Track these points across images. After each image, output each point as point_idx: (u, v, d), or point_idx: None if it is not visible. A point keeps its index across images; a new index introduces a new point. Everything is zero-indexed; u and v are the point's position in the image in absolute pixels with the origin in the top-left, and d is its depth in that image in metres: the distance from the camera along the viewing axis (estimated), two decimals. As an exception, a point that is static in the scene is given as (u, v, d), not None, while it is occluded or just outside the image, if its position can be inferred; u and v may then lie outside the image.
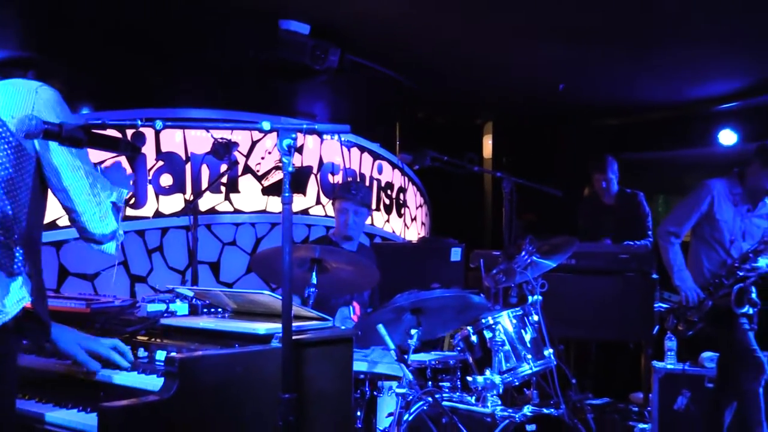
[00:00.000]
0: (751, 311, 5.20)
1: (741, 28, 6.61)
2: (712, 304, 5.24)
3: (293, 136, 2.47)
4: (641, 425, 6.25)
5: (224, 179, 6.34)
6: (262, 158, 6.72)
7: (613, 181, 7.02)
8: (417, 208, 9.10)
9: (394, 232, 8.38)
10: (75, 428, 2.30)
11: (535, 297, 4.43)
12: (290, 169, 2.47)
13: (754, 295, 5.21)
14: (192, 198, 5.81)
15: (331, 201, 5.17)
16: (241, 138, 6.47)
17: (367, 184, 7.85)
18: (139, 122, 2.42)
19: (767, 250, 5.25)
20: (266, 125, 2.51)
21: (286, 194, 2.46)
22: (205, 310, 3.15)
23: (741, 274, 5.20)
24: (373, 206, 7.46)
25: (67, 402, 2.44)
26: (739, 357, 5.20)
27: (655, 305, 6.37)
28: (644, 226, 6.96)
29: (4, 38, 4.82)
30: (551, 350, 4.31)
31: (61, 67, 2.86)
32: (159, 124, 2.42)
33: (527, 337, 4.26)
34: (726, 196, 5.34)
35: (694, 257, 5.43)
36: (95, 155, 5.61)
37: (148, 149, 6.03)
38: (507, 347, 4.17)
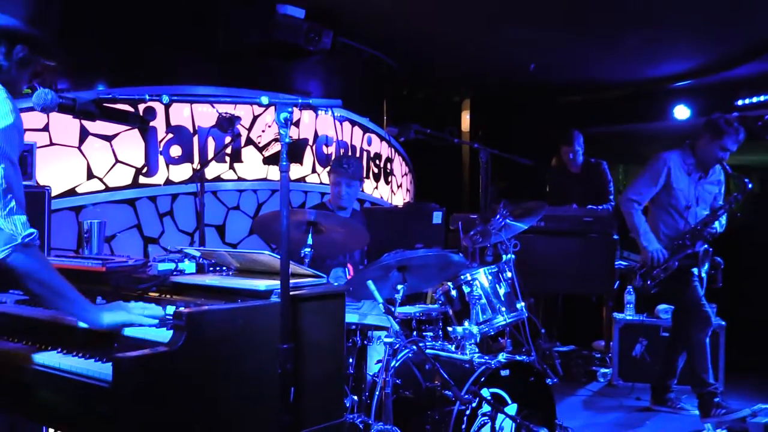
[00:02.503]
0: (711, 270, 5.25)
1: (694, 13, 6.56)
2: (678, 265, 5.24)
3: (289, 110, 2.42)
4: (603, 369, 6.29)
5: (228, 150, 6.28)
6: (263, 131, 6.64)
7: (579, 152, 7.00)
8: (402, 176, 9.06)
9: (382, 197, 8.35)
10: (92, 376, 2.26)
11: (509, 255, 4.43)
12: (287, 140, 2.42)
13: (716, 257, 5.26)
14: (199, 167, 5.75)
15: (327, 171, 5.11)
16: (244, 113, 6.40)
17: (358, 155, 7.80)
18: (147, 96, 2.37)
19: (724, 214, 5.27)
20: (265, 100, 2.47)
21: (284, 163, 2.42)
22: (211, 268, 3.11)
23: (701, 236, 5.21)
24: (364, 176, 7.40)
25: (85, 352, 2.40)
26: (690, 311, 5.22)
27: (616, 263, 6.39)
28: (606, 192, 6.95)
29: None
30: (523, 303, 4.31)
31: (57, 48, 2.46)
32: (165, 98, 2.36)
33: (501, 292, 4.26)
34: (680, 166, 5.32)
35: (652, 223, 5.42)
36: (109, 127, 5.56)
37: (159, 123, 5.94)
38: (483, 301, 4.17)
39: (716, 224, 5.24)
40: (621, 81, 9.41)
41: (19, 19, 2.31)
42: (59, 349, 2.49)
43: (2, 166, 2.14)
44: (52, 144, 5.32)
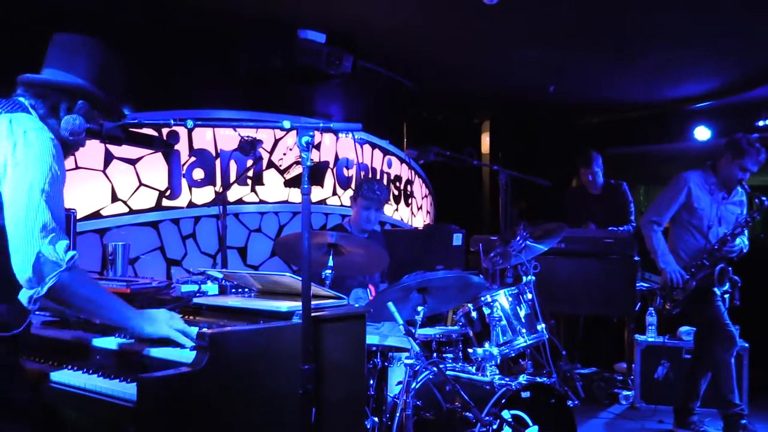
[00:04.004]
0: (729, 288, 5.20)
1: (714, 34, 6.56)
2: (695, 285, 5.20)
3: (311, 133, 2.45)
4: (625, 392, 6.24)
5: (250, 173, 6.34)
6: (284, 154, 6.71)
7: (598, 174, 6.98)
8: (423, 198, 9.08)
9: (402, 219, 8.37)
10: (116, 396, 2.29)
11: (529, 277, 4.42)
12: (308, 163, 2.45)
13: (733, 275, 5.21)
14: (221, 190, 5.80)
15: (353, 196, 5.10)
16: (265, 136, 6.46)
17: (378, 177, 7.84)
18: (172, 121, 2.41)
19: (742, 233, 5.23)
20: (287, 124, 2.49)
21: (305, 186, 2.45)
22: (233, 290, 3.14)
23: (720, 255, 5.18)
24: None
25: (109, 372, 2.43)
26: (714, 331, 5.17)
27: (637, 284, 6.35)
28: (627, 213, 6.92)
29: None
30: (544, 325, 4.30)
31: (119, 108, 2.55)
32: (190, 123, 2.40)
33: (522, 313, 4.25)
34: (702, 186, 5.30)
35: (672, 243, 5.39)
36: (133, 151, 5.64)
37: (182, 146, 6.02)
38: (504, 322, 4.16)
39: (739, 242, 5.21)
40: (641, 102, 9.41)
41: (86, 79, 2.42)
42: (84, 369, 2.52)
43: (44, 198, 2.21)
44: (77, 167, 5.41)
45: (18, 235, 2.19)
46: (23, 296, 2.24)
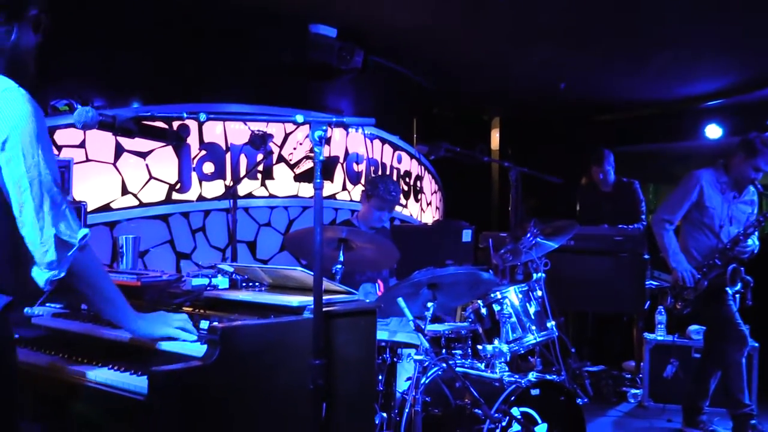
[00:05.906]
0: (741, 288, 5.18)
1: (726, 32, 6.53)
2: (707, 284, 5.17)
3: (324, 128, 2.43)
4: (633, 390, 6.21)
5: (260, 167, 6.33)
6: (294, 149, 6.70)
7: (610, 172, 6.95)
8: (432, 194, 9.07)
9: (411, 215, 8.36)
10: (127, 389, 2.28)
11: (539, 274, 4.41)
12: (321, 158, 2.44)
13: (745, 275, 5.18)
14: (231, 184, 5.80)
15: (365, 193, 5.05)
16: (275, 131, 6.46)
17: (387, 172, 7.82)
18: (185, 114, 2.39)
19: (754, 233, 5.20)
20: (299, 118, 2.48)
21: (318, 180, 2.43)
22: (243, 284, 3.13)
23: (732, 255, 5.14)
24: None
25: (120, 365, 2.42)
26: (725, 331, 5.14)
27: (647, 282, 6.33)
28: (638, 212, 6.89)
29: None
30: (554, 322, 4.28)
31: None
32: (203, 116, 2.39)
33: (532, 311, 4.24)
34: (713, 185, 5.26)
35: (683, 241, 5.36)
36: (144, 144, 5.64)
37: (192, 140, 6.02)
38: (513, 319, 4.15)
39: (751, 243, 5.17)
40: (652, 99, 9.37)
41: None
42: (94, 362, 2.52)
43: (48, 171, 2.08)
44: (88, 160, 5.41)
45: (31, 216, 2.06)
46: (40, 277, 2.13)
